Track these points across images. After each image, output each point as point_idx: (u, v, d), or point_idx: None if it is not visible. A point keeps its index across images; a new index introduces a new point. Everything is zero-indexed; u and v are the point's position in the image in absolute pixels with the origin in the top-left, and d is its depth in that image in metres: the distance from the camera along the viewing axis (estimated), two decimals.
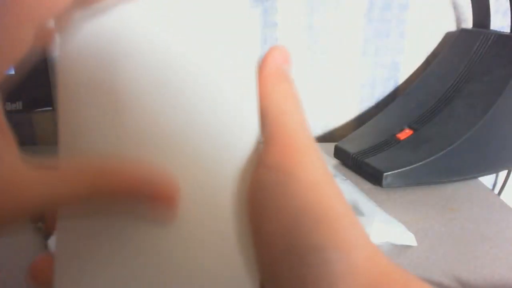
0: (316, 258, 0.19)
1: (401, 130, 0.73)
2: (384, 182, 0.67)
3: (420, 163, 0.67)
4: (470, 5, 0.82)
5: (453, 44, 0.82)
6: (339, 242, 0.19)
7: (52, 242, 0.51)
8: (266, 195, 0.21)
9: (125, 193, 0.21)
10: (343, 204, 0.21)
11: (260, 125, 0.23)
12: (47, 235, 0.53)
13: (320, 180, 0.21)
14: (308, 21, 0.83)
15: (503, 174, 0.85)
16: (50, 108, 0.72)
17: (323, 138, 0.90)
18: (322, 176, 0.21)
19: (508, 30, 0.79)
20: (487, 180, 0.88)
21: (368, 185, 0.69)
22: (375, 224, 0.54)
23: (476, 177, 0.72)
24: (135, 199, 0.21)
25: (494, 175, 0.89)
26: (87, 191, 0.21)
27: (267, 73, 0.23)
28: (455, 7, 0.85)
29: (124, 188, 0.21)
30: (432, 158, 0.67)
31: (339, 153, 0.76)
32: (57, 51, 0.24)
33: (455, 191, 0.68)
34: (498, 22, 0.85)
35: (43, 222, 0.53)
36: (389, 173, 0.67)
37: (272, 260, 0.20)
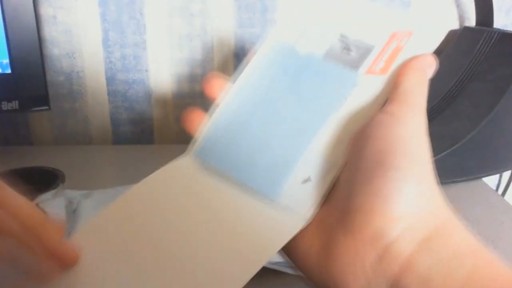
0: (393, 174, 0.25)
1: None
2: None
3: None
4: (473, 3, 0.81)
5: (456, 42, 0.82)
6: (411, 171, 0.26)
7: None
8: (377, 128, 0.27)
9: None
10: (426, 151, 0.27)
11: (391, 92, 0.29)
12: None
13: (417, 128, 0.27)
14: None
15: (506, 174, 0.85)
16: (47, 108, 0.72)
17: None
18: (419, 129, 0.28)
19: None
20: (490, 180, 0.87)
21: None
22: None
23: (479, 178, 0.72)
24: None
25: (497, 176, 0.89)
26: None
27: (414, 64, 0.30)
28: (458, 5, 0.84)
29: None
30: (436, 158, 0.66)
31: None
32: None
33: (459, 192, 0.68)
34: (502, 20, 0.84)
35: None
36: None
37: (359, 171, 0.27)
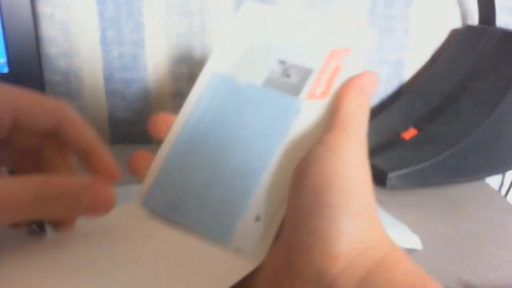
0: (327, 212, 0.25)
1: (406, 129, 0.73)
2: (388, 183, 0.66)
3: (426, 163, 0.66)
4: (475, 1, 0.81)
5: (459, 41, 0.82)
6: (347, 208, 0.26)
7: (45, 236, 0.50)
8: (313, 161, 0.27)
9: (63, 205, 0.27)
10: (365, 183, 0.27)
11: (330, 118, 0.29)
12: (40, 237, 0.51)
13: (354, 160, 0.27)
14: None
15: (509, 175, 0.85)
16: None
17: None
18: (357, 160, 0.27)
19: None
20: (493, 181, 0.87)
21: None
22: None
23: (482, 178, 0.71)
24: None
25: (500, 177, 0.88)
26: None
27: (355, 84, 0.30)
28: (460, 4, 0.84)
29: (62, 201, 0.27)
30: (437, 158, 0.66)
31: None
32: None
33: (461, 193, 0.67)
34: (504, 19, 0.84)
35: (36, 223, 0.53)
36: (393, 174, 0.65)
37: (298, 209, 0.27)
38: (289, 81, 0.31)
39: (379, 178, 0.67)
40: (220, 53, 0.34)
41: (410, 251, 0.53)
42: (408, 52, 0.85)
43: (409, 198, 0.65)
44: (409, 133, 0.71)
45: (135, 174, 0.34)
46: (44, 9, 0.79)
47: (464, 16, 0.85)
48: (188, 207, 0.30)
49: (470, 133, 0.67)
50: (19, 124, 0.30)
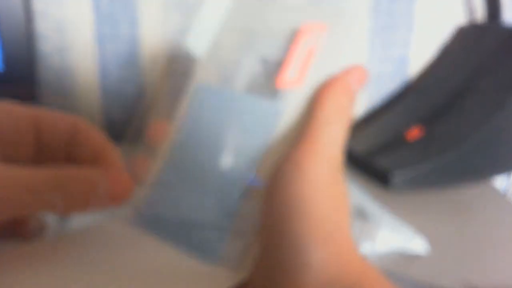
0: (291, 241, 0.24)
1: (410, 128, 0.72)
2: (391, 182, 0.65)
3: (430, 163, 0.66)
4: None
5: (464, 38, 0.81)
6: (311, 235, 0.24)
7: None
8: (279, 182, 0.25)
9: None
10: (333, 205, 0.25)
11: (304, 123, 0.27)
12: (40, 231, 0.52)
13: (323, 181, 0.25)
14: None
15: None
16: (38, 104, 0.71)
17: None
18: (327, 179, 0.25)
19: None
20: (499, 183, 0.86)
21: (374, 186, 0.68)
22: (382, 228, 0.53)
23: (488, 177, 0.71)
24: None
25: (506, 178, 0.88)
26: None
27: (337, 83, 0.27)
28: (466, 0, 0.84)
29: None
30: (442, 157, 0.66)
31: (344, 152, 0.75)
32: None
33: (466, 194, 0.67)
34: (510, 16, 0.83)
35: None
36: (397, 173, 0.65)
37: (267, 231, 0.25)
38: (270, 83, 0.30)
39: (383, 178, 0.67)
40: (203, 63, 0.34)
41: (415, 254, 0.52)
42: (412, 50, 0.85)
43: (413, 199, 0.64)
44: (413, 132, 0.71)
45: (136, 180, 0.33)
46: (37, 5, 0.78)
47: (469, 12, 0.84)
48: (176, 226, 0.30)
49: (476, 132, 0.66)
50: (41, 136, 0.31)
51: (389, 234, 0.52)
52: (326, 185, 0.25)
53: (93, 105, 0.84)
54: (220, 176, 0.29)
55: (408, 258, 0.51)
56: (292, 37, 0.29)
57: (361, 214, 0.56)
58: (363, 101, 0.88)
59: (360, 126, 0.84)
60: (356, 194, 0.60)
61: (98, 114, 0.85)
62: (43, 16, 0.79)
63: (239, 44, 0.32)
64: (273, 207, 0.25)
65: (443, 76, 0.79)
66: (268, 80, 0.30)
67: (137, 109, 0.85)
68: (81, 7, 0.79)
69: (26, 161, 0.30)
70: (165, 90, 0.33)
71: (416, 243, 0.52)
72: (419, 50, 0.85)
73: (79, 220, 0.49)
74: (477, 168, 0.69)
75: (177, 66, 0.35)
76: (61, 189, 0.26)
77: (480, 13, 0.83)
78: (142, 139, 0.32)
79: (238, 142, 0.29)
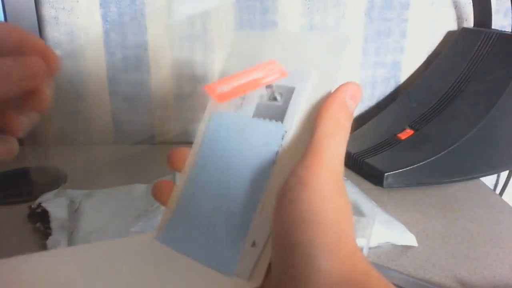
0: (300, 250, 0.25)
1: (402, 130, 0.73)
2: (385, 182, 0.66)
3: (421, 163, 0.67)
4: (471, 4, 0.82)
5: (455, 43, 0.82)
6: (318, 244, 0.25)
7: (50, 242, 0.51)
8: (287, 195, 0.26)
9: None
10: (338, 214, 0.26)
11: (308, 140, 0.28)
12: (45, 235, 0.53)
13: (328, 192, 0.26)
14: (308, 20, 0.83)
15: (504, 174, 0.85)
16: (49, 108, 0.72)
17: None
18: (331, 190, 0.26)
19: (509, 30, 0.78)
20: (488, 180, 0.87)
21: (368, 185, 0.69)
22: (375, 225, 0.54)
23: (477, 178, 0.72)
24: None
25: (495, 175, 0.89)
26: None
27: (334, 100, 0.28)
28: (456, 6, 0.85)
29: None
30: (433, 158, 0.67)
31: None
32: None
33: (456, 192, 0.68)
34: (499, 22, 0.85)
35: (42, 222, 0.54)
36: (390, 173, 0.66)
37: (277, 241, 0.26)
38: (276, 104, 0.32)
39: (376, 178, 0.68)
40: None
41: (406, 249, 0.53)
42: (405, 54, 0.86)
43: (405, 197, 0.66)
44: (406, 134, 0.72)
45: (160, 202, 0.35)
46: (48, 12, 0.80)
47: (460, 18, 0.85)
48: (196, 242, 0.31)
49: (466, 134, 0.67)
50: None
51: (382, 230, 0.54)
52: (330, 197, 0.26)
53: (103, 108, 0.86)
54: (234, 194, 0.31)
55: (400, 253, 0.53)
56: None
57: (356, 211, 0.57)
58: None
59: (354, 128, 0.84)
60: (351, 192, 0.62)
61: (107, 116, 0.86)
62: (54, 22, 0.81)
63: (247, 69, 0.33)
64: (283, 220, 0.26)
65: (434, 79, 0.80)
66: (271, 103, 0.32)
67: (144, 111, 0.86)
68: (90, 14, 0.80)
69: None
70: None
71: (407, 238, 0.54)
72: (411, 55, 0.86)
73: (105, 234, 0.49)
74: (466, 168, 0.70)
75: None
76: None
77: (470, 19, 0.84)
78: (165, 162, 0.35)
79: (249, 161, 0.31)
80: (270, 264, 0.28)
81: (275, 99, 0.32)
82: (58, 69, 0.32)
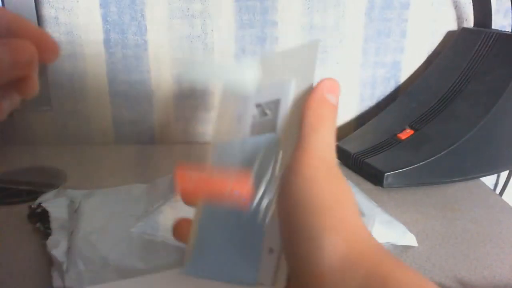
0: (304, 233, 0.26)
1: (402, 130, 0.73)
2: (385, 182, 0.67)
3: (421, 163, 0.67)
4: (471, 4, 0.82)
5: (455, 43, 0.82)
6: (322, 225, 0.26)
7: (50, 242, 0.51)
8: (284, 188, 0.28)
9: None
10: (338, 196, 0.27)
11: (297, 136, 0.30)
12: (45, 235, 0.53)
13: (320, 178, 0.27)
14: (308, 21, 0.83)
15: (504, 174, 0.85)
16: (49, 108, 0.72)
17: None
18: (324, 175, 0.28)
19: (509, 30, 0.78)
20: (488, 180, 0.87)
21: (368, 185, 0.69)
22: (375, 225, 0.54)
23: (477, 178, 0.72)
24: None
25: (495, 175, 0.89)
26: None
27: (313, 98, 0.30)
28: (456, 6, 0.85)
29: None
30: (433, 158, 0.67)
31: (339, 153, 0.74)
32: None
33: (456, 192, 0.68)
34: (499, 22, 0.85)
35: (42, 222, 0.54)
36: (390, 173, 0.66)
37: (286, 234, 0.28)
38: (267, 118, 0.34)
39: (376, 178, 0.68)
40: (217, 125, 0.38)
41: (406, 249, 0.53)
42: (405, 54, 0.86)
43: (405, 197, 0.66)
44: (406, 134, 0.72)
45: (181, 241, 0.36)
46: (48, 12, 0.80)
47: (460, 18, 0.85)
48: (221, 264, 0.33)
49: (465, 134, 0.67)
50: None
51: (382, 230, 0.54)
52: (322, 182, 0.27)
53: (103, 108, 0.86)
54: (246, 213, 0.32)
55: (400, 253, 0.53)
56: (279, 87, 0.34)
57: None
58: (357, 105, 0.89)
59: (354, 128, 0.85)
60: None
61: (107, 116, 0.86)
62: (53, 22, 0.81)
63: (238, 101, 0.36)
64: (283, 211, 0.28)
65: (434, 79, 0.80)
66: (263, 119, 0.34)
67: (144, 111, 0.86)
68: (90, 14, 0.80)
69: None
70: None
71: (407, 238, 0.54)
72: (411, 55, 0.86)
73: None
74: (466, 169, 0.70)
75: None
76: None
77: (470, 19, 0.84)
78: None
79: (254, 175, 0.32)
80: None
81: (265, 114, 0.34)
82: (56, 56, 0.30)
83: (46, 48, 0.30)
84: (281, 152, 0.32)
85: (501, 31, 0.77)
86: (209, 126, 0.87)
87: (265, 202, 0.31)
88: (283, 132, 0.32)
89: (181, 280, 0.35)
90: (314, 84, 0.31)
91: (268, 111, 0.34)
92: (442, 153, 0.67)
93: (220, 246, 0.33)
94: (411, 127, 0.73)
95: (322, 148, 0.29)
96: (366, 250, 0.26)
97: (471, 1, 0.81)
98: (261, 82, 0.35)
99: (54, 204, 0.58)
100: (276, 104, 0.33)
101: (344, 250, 0.26)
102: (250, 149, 0.34)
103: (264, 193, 0.32)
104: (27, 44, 0.28)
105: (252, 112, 0.35)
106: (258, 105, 0.35)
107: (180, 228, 0.36)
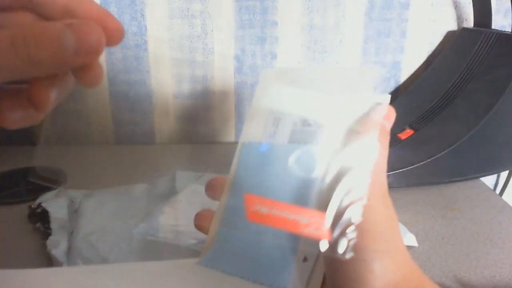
0: (357, 255, 0.27)
1: (402, 130, 0.73)
2: None
3: (421, 163, 0.67)
4: (471, 4, 0.82)
5: (454, 43, 0.82)
6: (373, 248, 0.27)
7: (50, 242, 0.51)
8: None
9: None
10: (387, 221, 0.29)
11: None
12: (45, 235, 0.53)
13: (376, 205, 0.28)
14: (308, 21, 0.83)
15: (504, 174, 0.85)
16: None
17: None
18: (379, 201, 0.29)
19: (509, 30, 0.78)
20: (488, 180, 0.87)
21: None
22: None
23: (477, 178, 0.72)
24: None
25: (495, 175, 0.89)
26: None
27: (369, 123, 0.30)
28: (456, 6, 0.85)
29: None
30: (433, 158, 0.67)
31: None
32: None
33: (456, 192, 0.68)
34: (499, 22, 0.85)
35: (42, 222, 0.54)
36: (390, 173, 0.66)
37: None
38: (310, 129, 0.33)
39: None
40: (249, 124, 0.37)
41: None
42: (405, 54, 0.86)
43: (405, 197, 0.66)
44: (406, 134, 0.72)
45: (202, 231, 0.36)
46: None
47: (460, 18, 0.85)
48: (245, 261, 0.33)
49: (466, 134, 0.67)
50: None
51: None
52: (379, 208, 0.29)
53: (103, 108, 0.86)
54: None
55: None
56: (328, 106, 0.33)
57: None
58: None
59: None
60: None
61: (108, 116, 0.86)
62: None
63: (277, 107, 0.35)
64: None
65: (434, 79, 0.80)
66: (306, 129, 0.33)
67: (144, 111, 0.86)
68: None
69: None
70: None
71: (407, 238, 0.54)
72: (411, 55, 0.86)
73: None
74: (466, 169, 0.70)
75: None
76: (22, 47, 0.23)
77: (470, 19, 0.84)
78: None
79: (289, 184, 0.32)
80: (324, 278, 0.31)
81: (308, 125, 0.33)
82: (121, 38, 0.27)
83: (111, 29, 0.26)
84: (321, 168, 0.31)
85: (501, 31, 0.77)
86: (209, 126, 0.87)
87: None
88: (328, 148, 0.32)
89: (194, 272, 0.35)
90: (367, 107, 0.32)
91: (312, 122, 0.33)
92: (442, 153, 0.67)
93: (245, 242, 0.33)
94: (411, 127, 0.73)
95: (379, 175, 0.29)
96: (411, 276, 0.28)
97: (471, 1, 0.81)
98: (306, 93, 0.34)
99: (54, 204, 0.58)
100: (320, 126, 0.33)
101: (392, 274, 0.27)
102: (285, 157, 0.33)
103: (300, 203, 0.31)
104: (94, 26, 0.24)
105: (293, 118, 0.34)
106: (304, 121, 0.34)
107: (203, 218, 0.36)
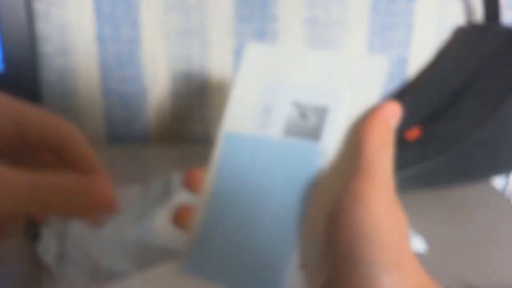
0: (363, 269, 0.26)
1: (409, 128, 0.72)
2: None
3: (429, 163, 0.66)
4: None
5: (463, 39, 0.81)
6: (381, 262, 0.26)
7: (40, 246, 0.50)
8: (341, 214, 0.27)
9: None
10: (396, 230, 0.27)
11: (355, 157, 0.29)
12: (35, 239, 0.52)
13: (383, 208, 0.27)
14: (310, 14, 0.82)
15: None
16: (39, 105, 0.71)
17: None
18: (386, 206, 0.27)
19: None
20: (497, 182, 0.87)
21: None
22: None
23: (487, 178, 0.71)
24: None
25: (504, 178, 0.88)
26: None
27: (375, 120, 0.29)
28: (465, 1, 0.84)
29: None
30: (442, 157, 0.66)
31: None
32: None
33: (465, 194, 0.67)
34: (509, 17, 0.84)
35: (32, 226, 0.52)
36: (397, 174, 0.65)
37: (335, 261, 0.27)
38: (307, 124, 0.31)
39: None
40: (232, 110, 0.34)
41: (414, 253, 0.53)
42: (411, 50, 0.85)
43: (413, 199, 0.65)
44: (413, 133, 0.71)
45: (182, 227, 0.34)
46: (39, 6, 0.79)
47: (468, 13, 0.84)
48: (231, 267, 0.30)
49: (475, 133, 0.67)
50: (25, 136, 0.31)
51: None
52: (386, 214, 0.27)
53: (95, 106, 0.85)
54: (267, 217, 0.30)
55: None
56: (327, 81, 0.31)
57: None
58: None
59: None
60: None
61: (100, 114, 0.85)
62: (44, 17, 0.79)
63: (266, 90, 0.33)
64: (341, 240, 0.27)
65: (442, 76, 0.79)
66: (302, 123, 0.31)
67: (138, 109, 0.85)
68: (82, 8, 0.79)
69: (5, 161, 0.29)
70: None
71: (415, 242, 0.53)
72: (418, 51, 0.85)
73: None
74: (475, 169, 0.69)
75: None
76: (35, 195, 0.26)
77: (479, 13, 0.83)
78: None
79: (282, 184, 0.30)
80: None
81: (305, 117, 0.31)
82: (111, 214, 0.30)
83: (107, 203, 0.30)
84: (323, 168, 0.30)
85: (511, 26, 0.77)
86: (206, 125, 0.86)
87: (295, 215, 0.29)
88: (331, 146, 0.30)
89: (176, 280, 0.32)
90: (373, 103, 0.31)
91: (311, 117, 0.31)
92: (451, 152, 0.66)
93: (233, 248, 0.31)
94: (419, 126, 0.72)
95: (385, 175, 0.28)
96: (421, 286, 0.27)
97: None
98: (301, 78, 0.32)
99: None
100: (322, 111, 0.31)
101: (401, 286, 0.26)
102: (279, 152, 0.31)
103: (294, 205, 0.30)
104: (109, 192, 0.28)
105: (287, 109, 0.32)
106: (297, 105, 0.32)
107: (181, 216, 0.34)
